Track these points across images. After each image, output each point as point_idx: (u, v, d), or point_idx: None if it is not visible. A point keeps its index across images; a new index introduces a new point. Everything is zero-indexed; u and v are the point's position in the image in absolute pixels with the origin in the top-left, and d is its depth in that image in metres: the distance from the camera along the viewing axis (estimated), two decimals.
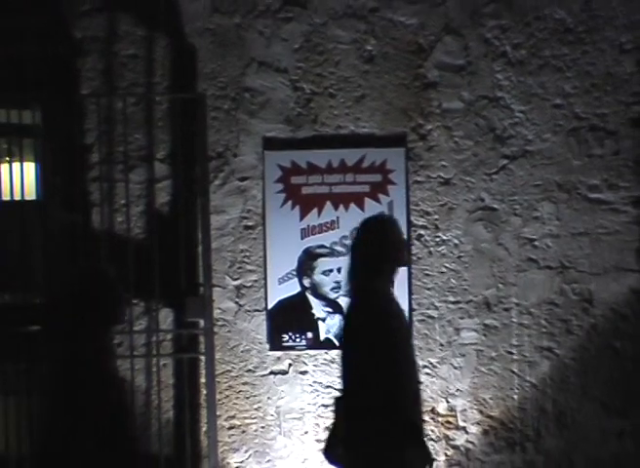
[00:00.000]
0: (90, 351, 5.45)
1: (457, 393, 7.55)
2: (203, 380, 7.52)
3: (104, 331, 5.50)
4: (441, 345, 7.53)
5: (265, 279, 7.62)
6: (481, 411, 7.48)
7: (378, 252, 5.95)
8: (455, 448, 7.52)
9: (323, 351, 7.59)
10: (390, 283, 6.04)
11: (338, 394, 6.07)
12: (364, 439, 5.71)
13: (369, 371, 5.66)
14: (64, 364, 5.55)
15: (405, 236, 7.05)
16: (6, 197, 7.72)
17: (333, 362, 7.50)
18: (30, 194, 7.83)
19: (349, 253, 6.20)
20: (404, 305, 7.25)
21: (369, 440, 5.69)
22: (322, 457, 7.24)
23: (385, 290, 5.95)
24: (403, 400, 5.76)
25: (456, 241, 7.63)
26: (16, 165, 7.68)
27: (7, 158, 7.84)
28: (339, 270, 7.61)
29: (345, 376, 5.88)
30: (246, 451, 7.58)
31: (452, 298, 7.59)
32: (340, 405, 6.00)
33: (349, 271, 6.13)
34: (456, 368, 7.53)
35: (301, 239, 7.61)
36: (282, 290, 7.63)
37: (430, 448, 6.65)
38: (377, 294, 5.92)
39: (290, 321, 7.61)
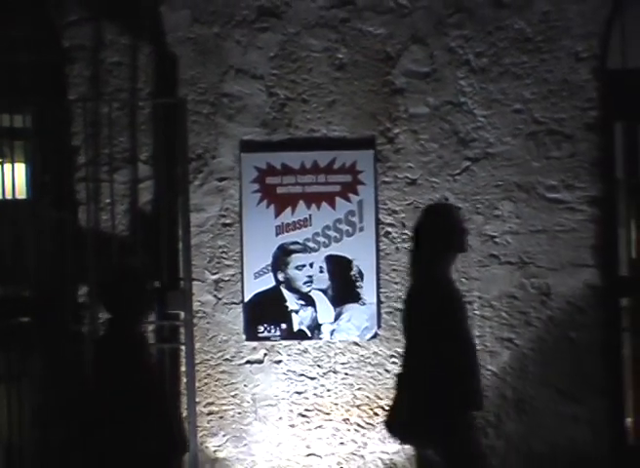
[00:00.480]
0: (127, 340, 5.82)
1: None
2: (183, 369, 7.61)
3: (137, 321, 5.96)
4: None
5: (242, 273, 7.70)
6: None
7: (443, 238, 6.14)
8: None
9: (296, 341, 7.70)
10: (450, 268, 6.26)
11: (400, 371, 6.31)
12: (431, 410, 5.89)
13: (438, 348, 5.86)
14: (101, 352, 5.93)
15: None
16: None
17: (306, 351, 7.66)
18: (21, 193, 7.92)
19: (413, 239, 6.37)
20: (372, 298, 7.56)
21: (435, 411, 5.88)
22: (295, 442, 7.60)
23: (448, 274, 6.18)
24: (467, 371, 6.02)
25: None
26: (7, 166, 7.81)
27: None
28: (311, 265, 7.74)
29: (412, 353, 6.09)
30: (223, 436, 7.68)
31: None
32: (403, 380, 6.24)
33: (413, 256, 6.31)
34: None
35: (276, 236, 7.70)
36: (258, 284, 7.72)
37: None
38: (441, 278, 6.14)
39: (265, 313, 7.72)
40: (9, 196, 7.75)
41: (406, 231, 7.59)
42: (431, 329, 5.94)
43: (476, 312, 7.59)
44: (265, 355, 7.71)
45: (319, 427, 7.62)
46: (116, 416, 5.62)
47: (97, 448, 5.69)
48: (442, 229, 6.21)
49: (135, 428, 5.68)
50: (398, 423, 6.21)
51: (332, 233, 7.71)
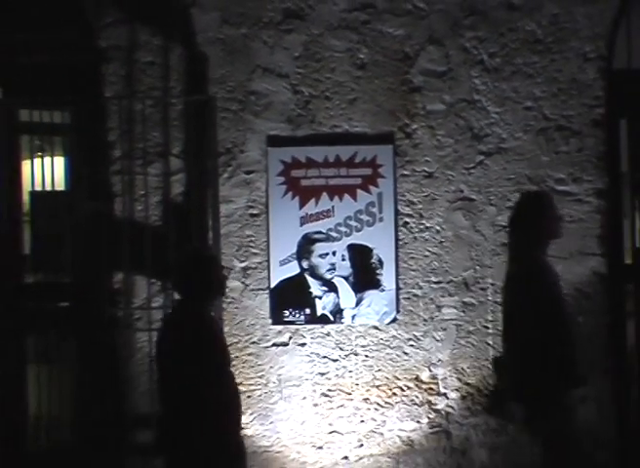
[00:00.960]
0: (204, 317, 6.04)
1: (438, 363, 7.66)
2: None
3: (208, 303, 6.19)
4: (424, 320, 7.67)
5: (268, 261, 7.79)
6: (460, 379, 7.59)
7: (539, 225, 6.32)
8: (436, 411, 7.64)
9: (319, 325, 7.79)
10: (546, 253, 6.45)
11: (497, 354, 6.57)
12: (541, 388, 6.09)
13: (545, 331, 6.05)
14: (176, 331, 6.07)
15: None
16: (38, 188, 7.96)
17: (328, 335, 7.75)
18: (60, 185, 8.12)
19: (510, 227, 6.54)
20: (391, 285, 7.63)
21: (545, 389, 6.07)
22: (318, 420, 7.73)
23: (545, 259, 6.38)
24: (571, 351, 6.20)
25: (438, 228, 7.77)
26: (47, 159, 8.00)
27: (39, 153, 8.12)
28: (334, 253, 7.82)
29: (515, 337, 6.24)
30: (251, 414, 7.75)
31: (434, 279, 7.73)
32: (501, 363, 6.47)
33: (512, 242, 6.50)
34: (437, 340, 7.66)
35: (301, 226, 7.79)
36: (283, 271, 7.81)
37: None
38: (542, 264, 6.34)
39: (290, 299, 7.79)
40: (49, 188, 7.92)
41: (423, 221, 7.75)
42: (537, 313, 6.11)
43: (489, 298, 7.70)
44: (290, 338, 7.81)
45: (341, 406, 7.70)
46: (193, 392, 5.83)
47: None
48: (538, 217, 6.38)
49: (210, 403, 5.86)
50: (504, 408, 6.48)
51: (353, 223, 7.77)
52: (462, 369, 7.70)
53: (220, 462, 6.01)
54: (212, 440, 5.93)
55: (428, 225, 7.79)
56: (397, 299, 7.70)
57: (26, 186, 8.16)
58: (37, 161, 8.14)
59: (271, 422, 7.82)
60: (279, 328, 7.84)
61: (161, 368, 6.16)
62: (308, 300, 7.82)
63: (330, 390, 7.80)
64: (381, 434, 7.58)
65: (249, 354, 7.83)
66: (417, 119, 7.83)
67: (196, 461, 5.97)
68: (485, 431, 7.75)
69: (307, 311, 7.83)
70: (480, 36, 7.84)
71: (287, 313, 7.85)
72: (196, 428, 5.90)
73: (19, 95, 7.99)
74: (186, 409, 5.93)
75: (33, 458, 8.00)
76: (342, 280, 7.84)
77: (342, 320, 7.65)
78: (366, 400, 7.63)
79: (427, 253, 7.78)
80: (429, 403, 7.71)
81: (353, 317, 7.56)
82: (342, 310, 7.79)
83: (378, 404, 7.64)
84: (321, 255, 7.83)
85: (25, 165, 8.23)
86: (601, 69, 7.81)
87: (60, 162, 8.18)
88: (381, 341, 7.71)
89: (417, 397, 7.70)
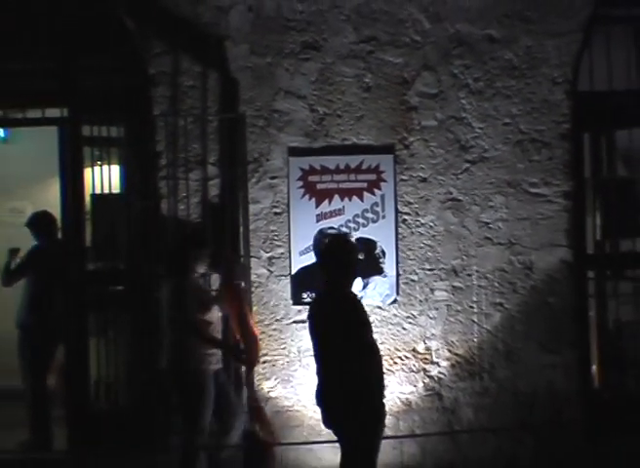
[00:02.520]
0: (348, 297, 6.41)
1: (432, 337, 7.94)
2: None
3: (351, 284, 6.48)
4: (420, 301, 7.96)
5: (290, 252, 8.03)
6: (450, 350, 7.92)
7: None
8: (430, 377, 7.94)
9: None
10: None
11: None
12: None
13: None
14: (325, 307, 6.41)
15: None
16: (98, 191, 8.17)
17: None
18: (116, 189, 8.30)
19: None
20: (392, 272, 7.88)
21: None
22: None
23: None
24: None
25: (431, 224, 8.03)
26: (105, 167, 8.23)
27: (99, 162, 8.26)
28: None
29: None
30: (275, 380, 8.00)
31: (428, 266, 8.01)
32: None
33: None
34: (431, 318, 7.95)
35: (316, 222, 8.02)
36: (302, 260, 8.03)
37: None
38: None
39: (308, 283, 7.96)
40: (106, 191, 8.18)
41: (419, 218, 8.02)
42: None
43: (474, 282, 8.00)
44: None
45: None
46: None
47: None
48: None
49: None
50: None
51: (360, 220, 7.99)
52: (452, 341, 7.96)
53: (373, 424, 6.27)
54: (370, 405, 6.21)
55: (423, 222, 8.03)
56: (397, 284, 7.94)
57: (88, 190, 8.26)
58: (97, 169, 8.26)
59: (292, 386, 8.00)
60: (299, 307, 8.02)
61: (318, 343, 6.44)
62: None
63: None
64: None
65: (273, 329, 8.04)
66: (413, 133, 8.07)
67: (357, 425, 6.21)
68: (471, 393, 8.00)
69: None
70: (466, 64, 8.07)
71: (305, 295, 8.02)
72: (358, 396, 6.12)
73: (81, 113, 8.12)
74: (352, 378, 6.16)
75: (94, 415, 8.17)
76: None
77: None
78: None
79: (422, 245, 8.01)
80: (424, 370, 7.96)
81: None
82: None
83: None
84: None
85: (87, 172, 8.28)
86: (567, 91, 8.07)
87: (115, 169, 8.38)
88: (384, 319, 7.93)
89: (414, 365, 7.94)
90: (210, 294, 7.62)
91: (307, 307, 7.78)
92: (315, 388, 6.50)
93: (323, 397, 6.41)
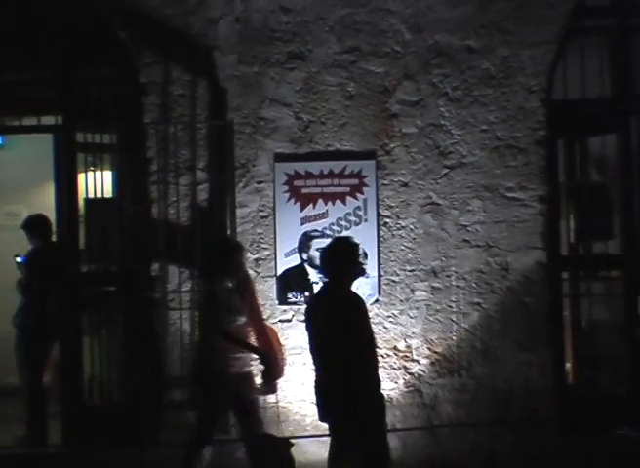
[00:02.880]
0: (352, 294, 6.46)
1: (412, 335, 8.02)
2: None
3: (350, 284, 6.52)
4: (401, 301, 8.04)
5: (275, 254, 8.10)
6: (429, 348, 7.99)
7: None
8: (410, 374, 8.01)
9: None
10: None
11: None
12: None
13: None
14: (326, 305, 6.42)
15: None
16: (91, 195, 8.26)
17: None
18: (108, 193, 8.36)
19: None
20: (374, 273, 7.92)
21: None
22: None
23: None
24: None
25: (411, 226, 8.11)
26: (98, 173, 8.31)
27: (92, 168, 8.34)
28: None
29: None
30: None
31: (409, 268, 8.08)
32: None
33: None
34: (411, 317, 8.03)
35: (301, 225, 8.09)
36: (287, 261, 8.10)
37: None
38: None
39: (293, 284, 8.08)
40: (99, 195, 8.27)
41: (400, 222, 8.11)
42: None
43: (453, 283, 8.09)
44: (293, 315, 8.10)
45: None
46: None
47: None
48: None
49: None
50: None
51: (343, 223, 8.08)
52: (432, 340, 8.04)
53: (373, 418, 6.35)
54: (371, 398, 6.30)
55: (404, 225, 8.13)
56: (379, 284, 8.04)
57: (82, 194, 8.30)
58: (90, 174, 8.32)
59: (278, 383, 7.60)
60: (284, 307, 8.12)
61: (318, 340, 6.42)
62: (307, 285, 8.09)
63: None
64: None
65: None
66: (394, 139, 8.15)
67: (361, 418, 6.26)
68: (450, 390, 8.07)
69: (307, 294, 8.08)
70: (445, 73, 8.18)
71: (290, 295, 8.12)
72: (360, 389, 6.20)
73: (75, 120, 8.21)
74: (352, 374, 6.21)
75: (88, 411, 8.22)
76: None
77: None
78: None
79: (403, 247, 8.09)
80: (405, 367, 8.04)
81: None
82: None
83: None
84: (318, 249, 7.86)
85: (81, 177, 8.32)
86: (542, 99, 8.17)
87: (108, 175, 8.42)
88: None
89: (395, 363, 8.03)
90: (240, 298, 7.49)
91: (292, 307, 8.09)
92: (313, 383, 6.61)
93: (322, 393, 6.50)
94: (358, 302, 6.54)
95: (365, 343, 6.41)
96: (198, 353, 7.30)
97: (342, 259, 6.48)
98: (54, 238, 8.74)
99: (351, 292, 6.58)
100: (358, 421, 6.31)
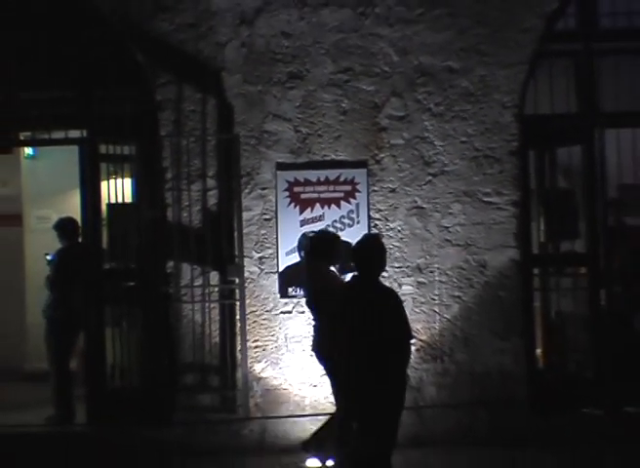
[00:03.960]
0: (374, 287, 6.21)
1: None
2: (238, 317, 8.20)
3: (377, 275, 6.24)
4: None
5: (277, 252, 8.22)
6: (415, 336, 7.66)
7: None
8: None
9: None
10: None
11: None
12: None
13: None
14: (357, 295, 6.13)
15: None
16: (113, 201, 8.42)
17: None
18: (128, 198, 8.46)
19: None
20: None
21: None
22: (313, 367, 7.73)
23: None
24: None
25: (399, 228, 8.22)
26: (119, 180, 8.46)
27: (113, 176, 8.50)
28: None
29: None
30: (265, 362, 8.19)
31: (396, 264, 8.17)
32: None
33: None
34: None
35: (300, 227, 8.20)
36: (288, 259, 8.20)
37: None
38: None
39: (293, 279, 8.13)
40: (120, 200, 8.42)
41: (388, 223, 8.22)
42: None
43: (436, 278, 8.20)
44: (293, 307, 8.21)
45: None
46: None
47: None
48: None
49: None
50: None
51: (338, 225, 8.18)
52: (417, 329, 8.02)
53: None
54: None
55: (392, 226, 8.26)
56: None
57: (104, 199, 8.44)
58: (112, 181, 8.47)
59: (280, 368, 8.19)
60: (285, 300, 8.22)
61: (371, 326, 6.02)
62: (306, 281, 7.77)
63: None
64: None
65: (264, 319, 8.22)
66: (384, 150, 8.28)
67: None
68: (434, 374, 8.17)
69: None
70: (429, 91, 8.30)
71: (291, 289, 8.20)
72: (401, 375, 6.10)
73: (99, 134, 8.35)
74: (392, 360, 6.00)
75: (110, 394, 8.37)
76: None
77: None
78: None
79: (391, 246, 8.11)
80: None
81: None
82: None
83: None
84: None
85: (104, 184, 8.45)
86: (515, 114, 8.31)
87: (128, 182, 8.52)
88: None
89: None
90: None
91: (292, 299, 8.13)
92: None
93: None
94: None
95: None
96: (319, 336, 7.23)
97: (376, 254, 6.26)
98: (80, 239, 8.84)
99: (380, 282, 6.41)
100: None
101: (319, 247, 7.33)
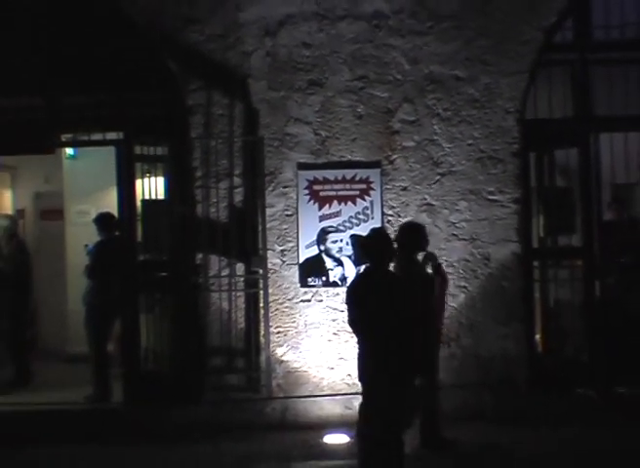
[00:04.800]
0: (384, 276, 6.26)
1: None
2: (261, 305, 8.31)
3: (387, 265, 6.29)
4: None
5: (298, 245, 8.32)
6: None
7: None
8: None
9: (332, 288, 8.21)
10: None
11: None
12: None
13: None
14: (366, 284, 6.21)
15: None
16: (147, 197, 8.50)
17: (337, 294, 8.12)
18: (161, 195, 8.55)
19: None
20: None
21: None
22: (331, 351, 7.97)
23: None
24: None
25: None
26: (153, 179, 8.56)
27: (148, 174, 8.58)
28: (341, 240, 8.19)
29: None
30: (286, 347, 8.30)
31: None
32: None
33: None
34: None
35: (319, 222, 8.30)
36: (308, 252, 8.31)
37: None
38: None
39: (312, 270, 8.28)
40: (154, 197, 8.52)
41: (400, 219, 8.22)
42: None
43: (444, 270, 7.93)
44: (312, 296, 8.33)
45: (346, 342, 8.07)
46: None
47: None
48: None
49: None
50: None
51: (354, 220, 8.29)
52: None
53: None
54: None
55: (404, 222, 8.06)
56: None
57: (139, 196, 8.50)
58: (146, 180, 8.56)
59: (300, 352, 8.32)
60: (305, 289, 8.33)
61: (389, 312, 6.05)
62: (324, 271, 8.30)
63: (338, 331, 8.21)
64: None
65: (285, 307, 8.33)
66: (396, 152, 8.37)
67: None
68: (442, 358, 7.70)
69: (324, 278, 8.29)
70: (438, 97, 8.39)
71: (310, 280, 8.32)
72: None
73: (134, 136, 8.44)
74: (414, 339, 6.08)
75: (144, 375, 8.47)
76: (347, 258, 8.28)
77: (347, 284, 7.59)
78: None
79: None
80: None
81: None
82: (347, 278, 8.18)
83: None
84: (333, 242, 8.25)
85: (139, 182, 8.52)
86: (517, 119, 8.38)
87: (161, 180, 8.60)
88: None
89: None
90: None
91: (311, 289, 8.22)
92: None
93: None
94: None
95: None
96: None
97: (385, 245, 6.33)
98: (117, 232, 8.93)
99: (391, 272, 6.54)
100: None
101: (410, 236, 7.30)
